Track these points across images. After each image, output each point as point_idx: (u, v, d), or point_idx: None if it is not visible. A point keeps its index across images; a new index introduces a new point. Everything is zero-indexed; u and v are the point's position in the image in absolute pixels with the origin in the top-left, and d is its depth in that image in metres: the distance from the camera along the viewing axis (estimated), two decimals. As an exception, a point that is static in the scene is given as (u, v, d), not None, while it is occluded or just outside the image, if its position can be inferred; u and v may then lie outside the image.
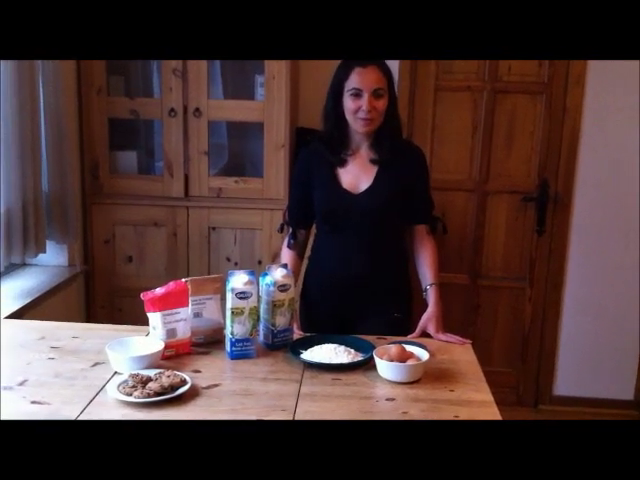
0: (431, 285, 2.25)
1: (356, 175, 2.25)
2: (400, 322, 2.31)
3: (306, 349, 1.98)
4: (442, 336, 2.14)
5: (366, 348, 1.98)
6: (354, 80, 2.12)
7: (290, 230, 2.38)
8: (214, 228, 3.25)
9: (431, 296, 2.23)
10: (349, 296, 2.29)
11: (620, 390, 3.67)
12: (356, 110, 2.14)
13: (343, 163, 2.25)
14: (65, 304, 3.09)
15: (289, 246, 2.36)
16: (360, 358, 1.93)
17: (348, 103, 2.15)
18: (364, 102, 2.12)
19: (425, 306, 2.24)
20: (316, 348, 1.97)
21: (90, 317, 3.33)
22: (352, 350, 1.96)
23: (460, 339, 2.13)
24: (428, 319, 2.18)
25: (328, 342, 1.99)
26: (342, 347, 1.96)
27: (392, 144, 2.22)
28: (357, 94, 2.12)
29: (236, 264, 3.24)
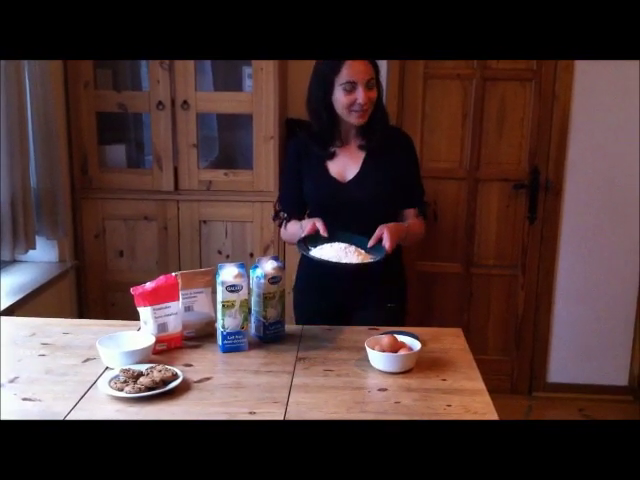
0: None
1: (344, 163, 2.24)
2: (394, 312, 2.31)
3: (315, 246, 1.98)
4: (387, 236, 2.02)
5: (377, 250, 1.98)
6: (346, 73, 2.08)
7: (285, 216, 2.35)
8: (205, 221, 3.24)
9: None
10: (342, 286, 2.29)
11: (614, 376, 3.68)
12: (351, 104, 2.11)
13: (332, 156, 2.24)
14: (57, 300, 3.09)
15: (284, 227, 2.35)
16: (370, 260, 1.94)
17: (341, 97, 2.11)
18: (360, 94, 2.09)
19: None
20: (326, 246, 1.97)
21: (82, 312, 3.33)
22: (362, 251, 1.97)
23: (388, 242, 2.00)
24: (382, 227, 2.05)
25: (338, 241, 1.99)
26: (352, 247, 1.96)
27: (380, 130, 2.20)
28: (351, 88, 2.09)
29: (227, 257, 3.24)
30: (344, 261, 1.90)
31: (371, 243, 2.03)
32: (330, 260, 1.90)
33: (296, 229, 2.21)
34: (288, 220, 2.33)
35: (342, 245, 1.96)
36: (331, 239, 2.01)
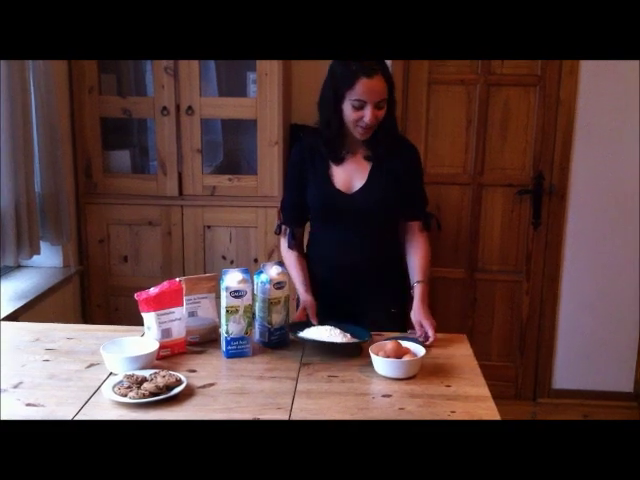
0: (418, 282, 2.21)
1: (350, 174, 2.23)
2: (397, 317, 2.30)
3: (303, 330, 2.02)
4: (427, 326, 2.10)
5: (362, 335, 2.00)
6: (359, 91, 2.07)
7: (288, 230, 2.36)
8: (209, 226, 3.24)
9: (417, 293, 2.19)
10: (346, 292, 2.28)
11: (619, 382, 3.66)
12: (357, 120, 2.11)
13: (341, 161, 2.23)
14: (61, 305, 3.08)
15: (290, 247, 2.34)
16: (354, 341, 1.97)
17: (349, 112, 2.11)
18: (367, 114, 2.09)
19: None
20: (312, 329, 2.01)
21: (86, 317, 3.32)
22: (348, 334, 1.99)
23: (431, 335, 2.08)
24: (419, 318, 2.13)
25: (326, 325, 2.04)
26: (337, 330, 1.99)
27: (388, 142, 2.20)
28: (360, 105, 2.08)
29: (232, 262, 3.24)
30: (328, 340, 1.95)
31: (419, 334, 2.09)
32: (314, 339, 1.95)
33: (293, 276, 2.25)
34: (293, 236, 2.33)
35: (327, 327, 2.00)
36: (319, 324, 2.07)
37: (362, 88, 2.07)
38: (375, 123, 2.13)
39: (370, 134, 2.17)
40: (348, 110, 2.12)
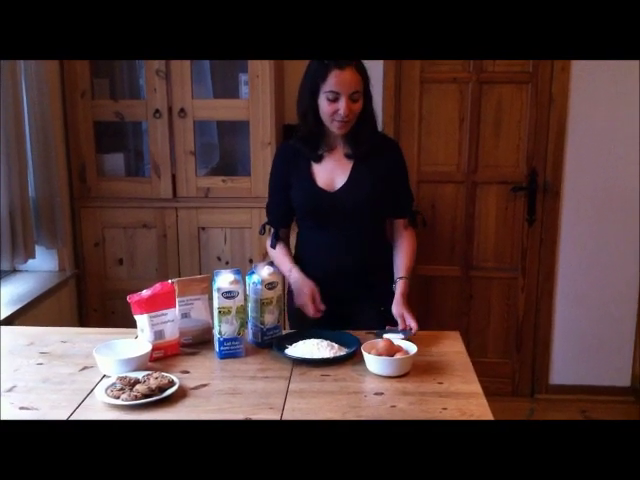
0: (400, 278, 2.22)
1: (331, 172, 2.23)
2: (387, 315, 2.30)
3: (291, 344, 2.00)
4: (409, 317, 2.11)
5: (351, 343, 1.99)
6: (331, 83, 2.08)
7: (272, 231, 2.37)
8: (203, 228, 3.25)
9: (398, 288, 2.20)
10: (335, 293, 2.28)
11: (616, 377, 3.67)
12: (333, 113, 2.11)
13: (320, 159, 2.24)
14: (57, 309, 3.09)
15: (272, 246, 2.35)
16: (343, 353, 1.94)
17: (324, 105, 2.12)
18: (342, 106, 2.09)
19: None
20: (300, 343, 1.99)
21: (82, 321, 3.33)
22: (335, 345, 1.98)
23: (411, 325, 2.09)
24: (402, 310, 2.13)
25: (313, 337, 2.01)
26: (325, 342, 1.98)
27: (368, 139, 2.21)
28: (334, 97, 2.09)
29: (227, 263, 3.24)
30: (316, 356, 1.93)
31: (402, 327, 2.10)
32: (303, 357, 1.93)
33: (284, 268, 2.25)
34: (276, 236, 2.34)
35: (315, 341, 1.99)
36: (305, 336, 2.05)
37: (334, 79, 2.08)
38: (352, 117, 2.13)
39: (348, 128, 2.17)
40: (324, 104, 2.12)
